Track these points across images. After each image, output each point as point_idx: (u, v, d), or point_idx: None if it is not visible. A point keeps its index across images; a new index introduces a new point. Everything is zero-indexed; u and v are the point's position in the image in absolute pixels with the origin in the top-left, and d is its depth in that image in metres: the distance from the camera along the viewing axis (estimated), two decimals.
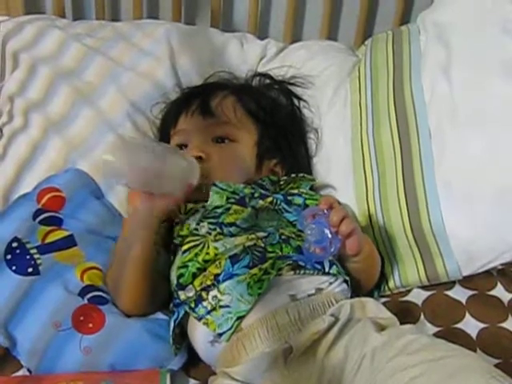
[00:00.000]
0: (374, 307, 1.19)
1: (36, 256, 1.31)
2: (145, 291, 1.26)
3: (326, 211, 1.19)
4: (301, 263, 1.22)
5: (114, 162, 1.19)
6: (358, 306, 1.17)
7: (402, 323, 1.24)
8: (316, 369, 1.10)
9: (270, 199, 1.34)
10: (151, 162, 1.19)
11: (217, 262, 1.21)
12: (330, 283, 1.22)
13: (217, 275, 1.20)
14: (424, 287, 1.38)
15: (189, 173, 1.25)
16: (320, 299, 1.19)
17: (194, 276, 1.22)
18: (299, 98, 1.61)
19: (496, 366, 1.17)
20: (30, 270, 1.29)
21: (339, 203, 1.37)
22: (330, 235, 1.17)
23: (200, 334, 1.20)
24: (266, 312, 1.16)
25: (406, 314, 1.31)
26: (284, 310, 1.16)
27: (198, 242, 1.26)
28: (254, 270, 1.19)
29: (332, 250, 1.17)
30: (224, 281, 1.19)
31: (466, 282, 1.36)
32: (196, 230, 1.28)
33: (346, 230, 1.18)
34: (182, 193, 1.25)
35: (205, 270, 1.22)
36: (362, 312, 1.17)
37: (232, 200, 1.33)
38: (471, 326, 1.29)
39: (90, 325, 1.24)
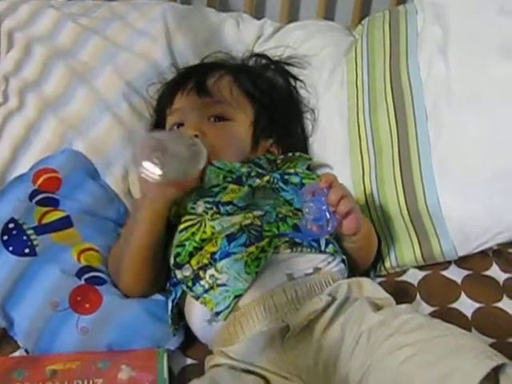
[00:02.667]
0: (370, 287, 1.19)
1: (33, 237, 1.31)
2: (147, 273, 1.27)
3: (325, 189, 1.19)
4: (298, 240, 1.22)
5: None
6: (355, 286, 1.18)
7: (398, 303, 1.24)
8: (313, 348, 1.10)
9: (266, 178, 1.34)
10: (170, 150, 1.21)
11: (213, 241, 1.22)
12: (328, 262, 1.23)
13: (213, 253, 1.20)
14: (420, 267, 1.38)
15: (198, 157, 1.25)
16: (317, 278, 1.19)
17: (191, 255, 1.22)
18: (296, 78, 1.61)
19: (491, 345, 1.18)
20: (26, 250, 1.29)
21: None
22: (327, 214, 1.17)
23: (197, 313, 1.21)
24: (263, 291, 1.16)
25: (402, 293, 1.32)
26: (281, 289, 1.17)
27: (194, 221, 1.26)
28: (251, 249, 1.19)
29: (329, 228, 1.17)
30: (221, 259, 1.19)
31: (462, 262, 1.37)
32: (193, 209, 1.29)
33: (344, 209, 1.18)
34: (193, 177, 1.26)
35: (201, 248, 1.22)
36: (359, 291, 1.18)
37: (229, 179, 1.33)
38: (466, 305, 1.29)
39: (87, 305, 1.24)
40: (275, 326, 1.12)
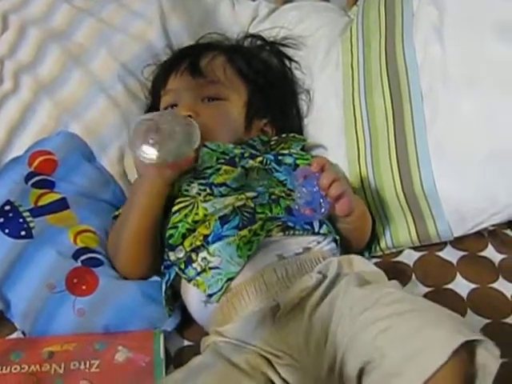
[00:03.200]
0: (361, 263, 1.19)
1: (29, 219, 1.31)
2: (145, 255, 1.28)
3: (317, 173, 1.19)
4: (290, 224, 1.22)
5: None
6: (346, 263, 1.18)
7: None
8: (304, 326, 1.10)
9: (259, 159, 1.34)
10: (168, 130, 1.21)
11: (206, 223, 1.22)
12: (318, 242, 1.23)
13: (206, 236, 1.21)
14: (415, 248, 1.38)
15: (192, 136, 1.25)
16: (308, 257, 1.19)
17: (184, 237, 1.23)
18: (291, 59, 1.60)
19: (486, 325, 1.20)
20: (22, 233, 1.29)
21: (332, 164, 1.38)
22: (319, 198, 1.16)
23: (193, 295, 1.21)
24: (253, 272, 1.17)
25: (397, 274, 1.32)
26: (271, 268, 1.17)
27: (187, 203, 1.26)
28: (244, 232, 1.19)
29: (322, 211, 1.17)
30: (213, 242, 1.19)
31: (457, 242, 1.37)
32: (186, 190, 1.29)
33: (336, 192, 1.18)
34: (189, 157, 1.26)
35: (194, 230, 1.23)
36: (350, 268, 1.17)
37: (222, 160, 1.33)
38: (462, 286, 1.30)
39: (84, 287, 1.25)
40: (266, 305, 1.13)
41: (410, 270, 1.34)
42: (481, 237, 1.38)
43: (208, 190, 1.27)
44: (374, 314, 1.02)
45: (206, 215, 1.23)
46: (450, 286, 1.30)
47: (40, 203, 1.34)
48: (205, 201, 1.25)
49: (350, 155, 1.43)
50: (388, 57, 1.45)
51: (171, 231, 1.24)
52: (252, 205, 1.24)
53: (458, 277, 1.32)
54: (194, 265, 1.20)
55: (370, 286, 1.12)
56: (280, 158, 1.36)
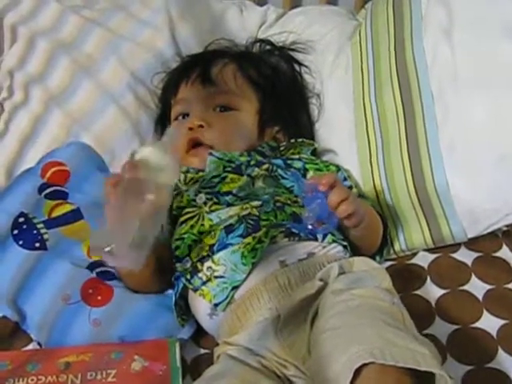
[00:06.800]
0: (361, 263, 1.18)
1: (43, 231, 1.32)
2: (146, 275, 1.24)
3: (326, 190, 1.16)
4: (294, 230, 1.22)
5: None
6: (347, 266, 1.17)
7: (408, 286, 1.26)
8: (306, 336, 1.09)
9: (265, 166, 1.34)
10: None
11: (212, 233, 1.22)
12: (323, 247, 1.22)
13: (212, 246, 1.20)
14: (430, 250, 1.38)
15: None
16: (311, 262, 1.18)
17: (190, 248, 1.23)
18: (300, 64, 1.60)
19: (502, 326, 1.19)
20: (37, 244, 1.30)
21: (339, 170, 1.39)
22: (327, 214, 1.14)
23: (200, 307, 1.21)
24: (256, 281, 1.16)
25: (412, 276, 1.33)
26: (273, 276, 1.16)
27: (193, 214, 1.26)
28: (248, 239, 1.19)
29: (330, 225, 1.16)
30: (218, 251, 1.19)
31: (471, 244, 1.37)
32: (194, 200, 1.29)
33: (345, 212, 1.15)
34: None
35: (201, 241, 1.23)
36: (350, 270, 1.17)
37: (228, 169, 1.33)
38: (477, 287, 1.29)
39: (99, 297, 1.25)
40: (269, 315, 1.12)
41: (424, 272, 1.34)
42: (495, 237, 1.38)
43: (214, 199, 1.27)
44: (321, 324, 1.04)
45: (211, 226, 1.23)
46: (465, 287, 1.30)
47: (54, 214, 1.35)
48: (210, 211, 1.25)
49: (361, 158, 1.43)
50: (397, 59, 1.45)
51: (177, 243, 1.24)
52: (257, 213, 1.23)
53: (474, 278, 1.31)
54: (200, 274, 1.19)
55: (345, 292, 1.09)
56: (289, 162, 1.36)
